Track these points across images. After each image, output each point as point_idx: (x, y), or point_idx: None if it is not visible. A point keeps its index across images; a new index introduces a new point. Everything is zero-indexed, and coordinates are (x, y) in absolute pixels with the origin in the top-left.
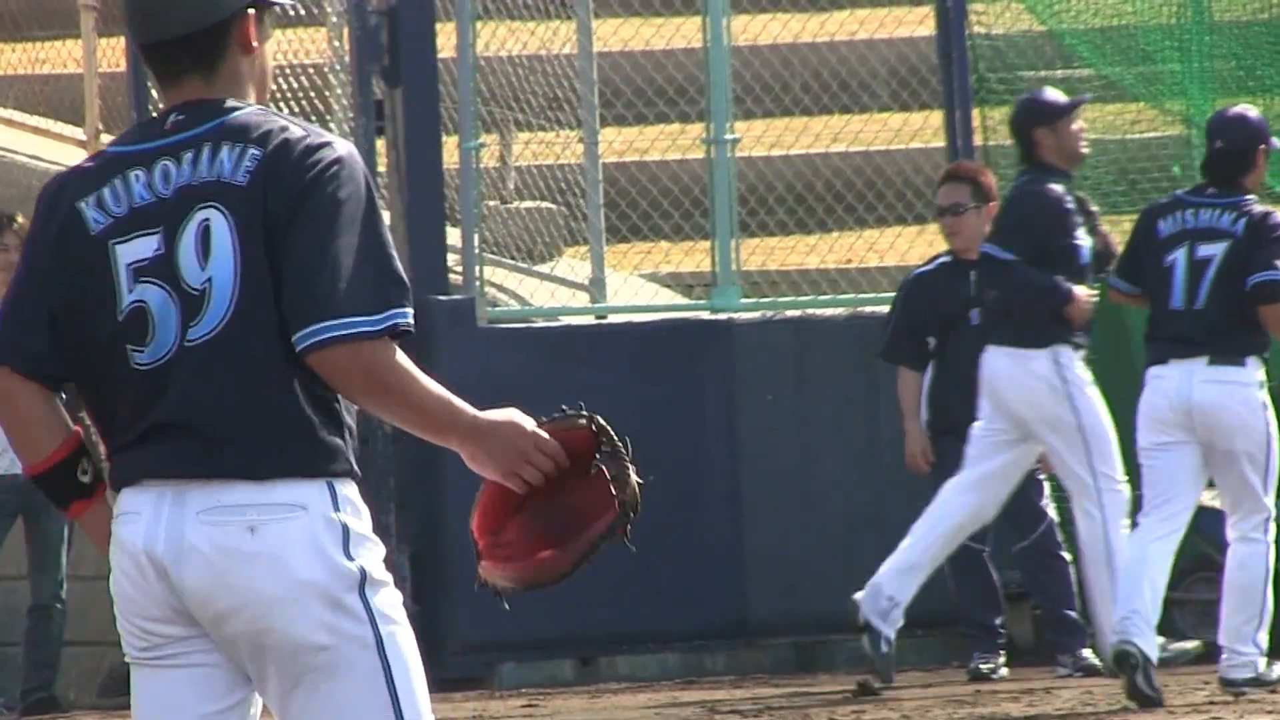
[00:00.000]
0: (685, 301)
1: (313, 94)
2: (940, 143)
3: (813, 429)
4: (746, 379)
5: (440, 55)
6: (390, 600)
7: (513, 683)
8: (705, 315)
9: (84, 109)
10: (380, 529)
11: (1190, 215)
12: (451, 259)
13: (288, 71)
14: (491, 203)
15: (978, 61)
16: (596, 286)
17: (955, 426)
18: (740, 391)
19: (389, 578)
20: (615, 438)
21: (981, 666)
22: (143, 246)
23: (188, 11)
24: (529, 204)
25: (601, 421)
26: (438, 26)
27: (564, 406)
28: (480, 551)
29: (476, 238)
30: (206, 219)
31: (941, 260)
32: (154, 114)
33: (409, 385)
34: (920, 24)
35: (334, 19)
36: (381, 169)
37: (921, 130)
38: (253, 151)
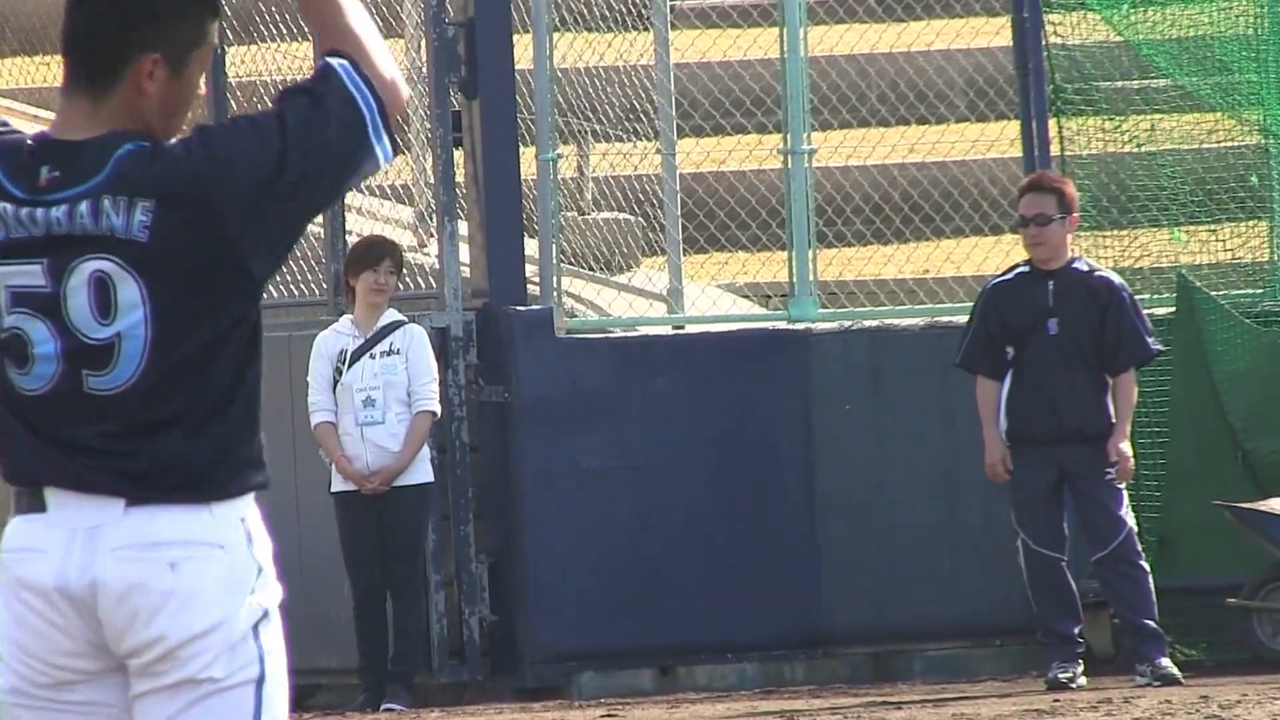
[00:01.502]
0: (762, 312)
1: None
2: (1016, 153)
3: (889, 439)
4: (823, 389)
5: (518, 66)
6: (276, 634)
7: (591, 692)
8: (782, 325)
9: None
10: (459, 539)
11: None
12: (530, 270)
13: None
14: (569, 214)
15: (1054, 72)
16: (674, 297)
17: (1033, 436)
18: (817, 401)
19: (278, 610)
20: None
21: (1060, 676)
22: (23, 275)
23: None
24: (607, 215)
25: None
26: (515, 38)
27: None
28: None
29: (554, 249)
30: (102, 271)
31: (1019, 270)
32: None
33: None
34: (997, 35)
35: (412, 31)
36: (459, 179)
37: (998, 141)
38: (144, 204)
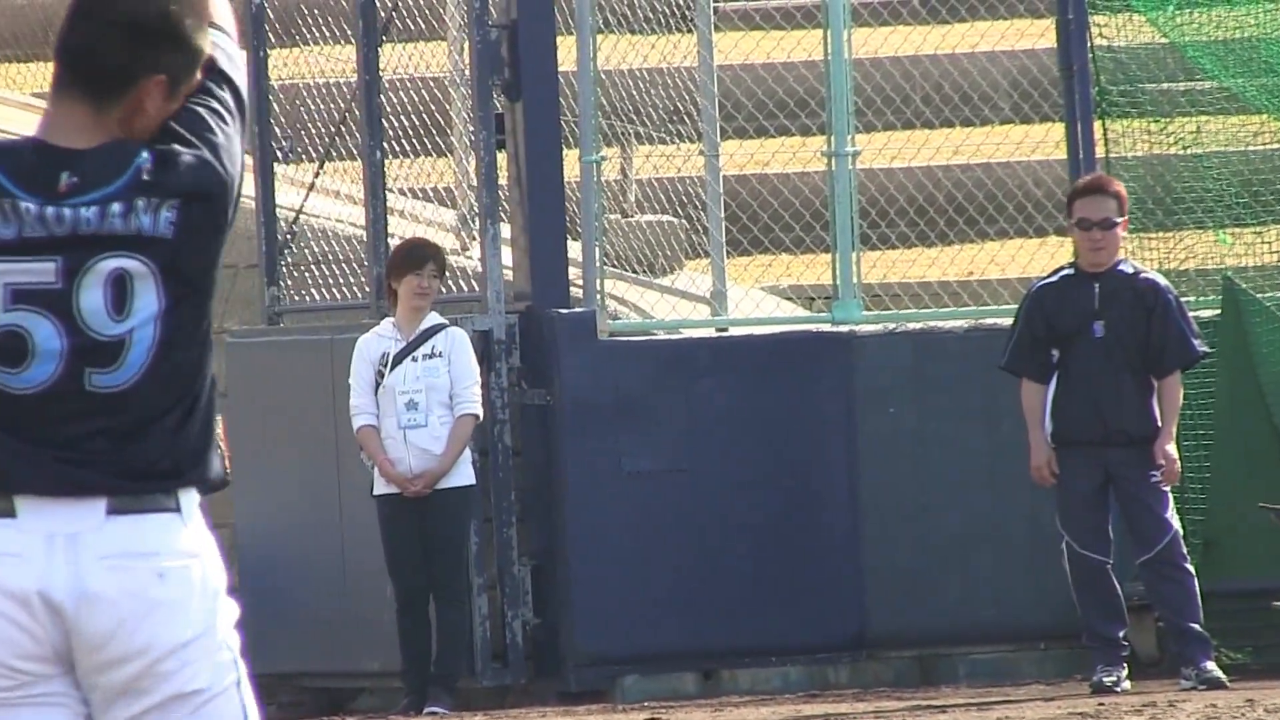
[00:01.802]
0: (806, 314)
1: (434, 107)
2: (1061, 155)
3: (933, 441)
4: (867, 392)
5: (561, 69)
6: (236, 634)
7: (634, 696)
8: (826, 328)
9: None
10: (501, 543)
11: None
12: (573, 272)
13: (408, 85)
14: (612, 216)
15: (1099, 74)
16: (717, 299)
17: (1078, 439)
18: (861, 404)
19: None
20: None
21: (1104, 679)
22: (31, 271)
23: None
24: (650, 217)
25: None
26: (558, 40)
27: None
28: None
29: (597, 251)
30: (123, 268)
31: (1064, 272)
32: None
33: None
34: (1041, 36)
35: (455, 33)
36: (502, 182)
37: (1043, 143)
38: (171, 203)
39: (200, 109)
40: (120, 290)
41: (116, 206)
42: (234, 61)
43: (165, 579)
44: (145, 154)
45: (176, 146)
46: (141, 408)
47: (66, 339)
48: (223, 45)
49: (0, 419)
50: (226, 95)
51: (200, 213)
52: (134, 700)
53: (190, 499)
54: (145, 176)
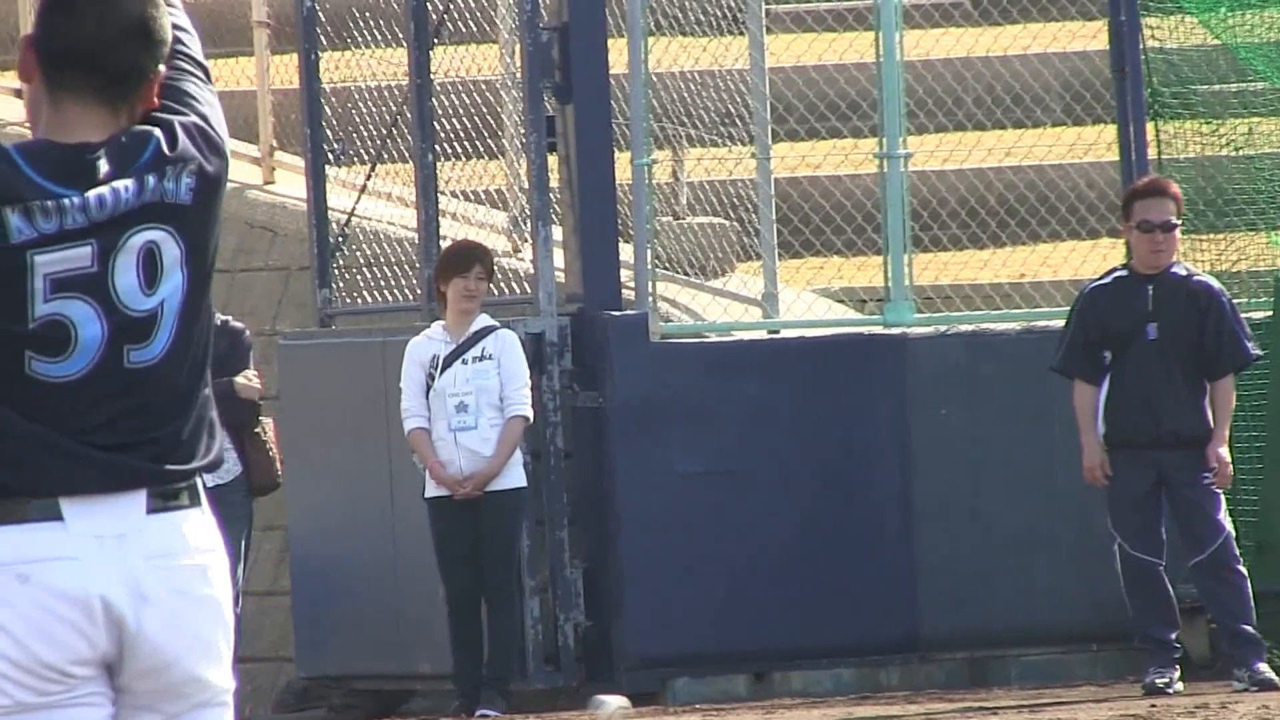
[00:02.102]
0: (858, 316)
1: (485, 110)
2: (1113, 157)
3: (985, 443)
4: (919, 393)
5: (612, 71)
6: None
7: (685, 698)
8: (878, 330)
9: (257, 126)
10: (553, 545)
11: None
12: (624, 275)
13: (460, 88)
14: (664, 218)
15: (1151, 75)
16: (769, 301)
17: (1131, 440)
18: (912, 406)
19: None
20: None
21: (1157, 681)
22: (67, 258)
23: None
24: (701, 219)
25: None
26: (609, 42)
27: None
28: None
29: (649, 253)
30: (152, 241)
31: (1118, 273)
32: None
33: None
34: (1093, 38)
35: (506, 36)
36: (553, 184)
37: (1095, 145)
38: (189, 167)
39: (182, 83)
40: (151, 263)
41: (151, 179)
42: (190, 33)
43: (207, 575)
44: (157, 131)
45: (176, 119)
46: (169, 383)
47: (106, 320)
48: (178, 18)
49: (34, 412)
50: (194, 67)
51: (209, 178)
52: (176, 700)
53: (202, 489)
54: (164, 149)
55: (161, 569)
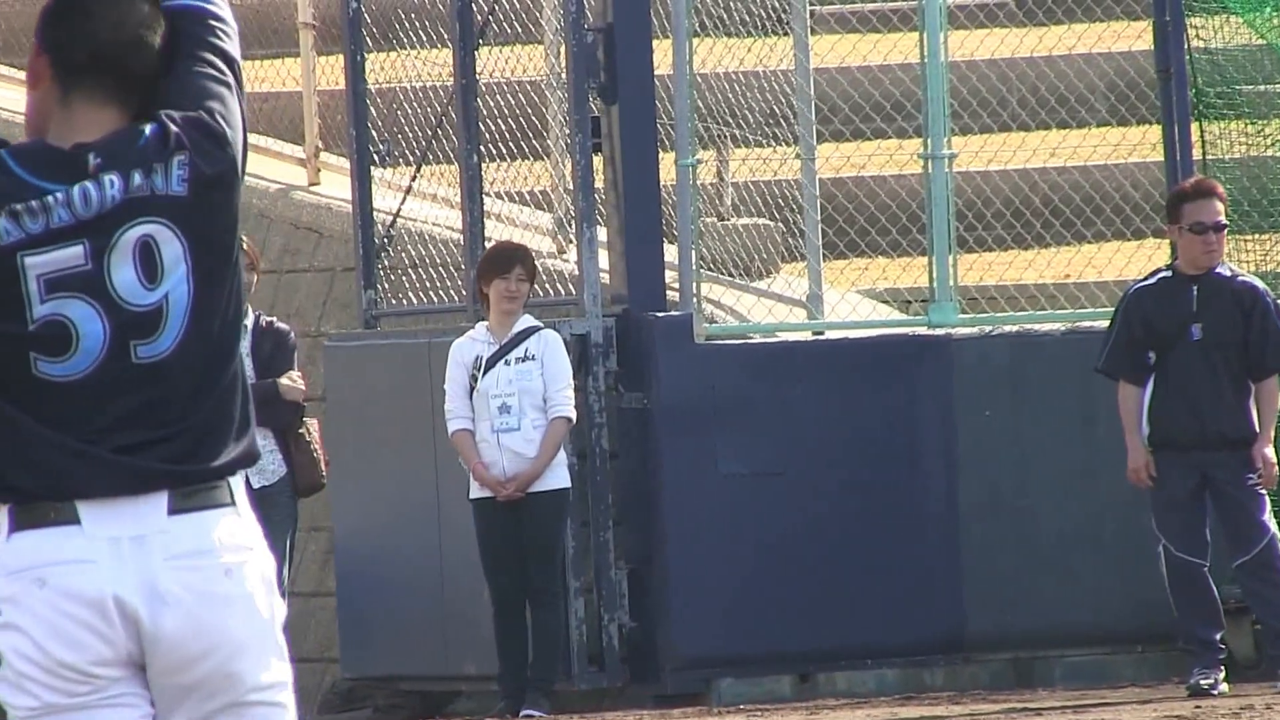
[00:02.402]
0: (902, 317)
1: (530, 111)
2: (1158, 158)
3: (1030, 444)
4: (964, 394)
5: (657, 72)
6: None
7: (730, 699)
8: (922, 331)
9: (303, 127)
10: (598, 546)
11: None
12: (669, 276)
13: (505, 89)
14: (709, 219)
15: (1196, 76)
16: (813, 303)
17: (1175, 441)
18: (957, 407)
19: None
20: None
21: (1201, 682)
22: (59, 258)
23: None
24: (746, 220)
25: None
26: (654, 43)
27: None
28: None
29: (694, 254)
30: (149, 235)
31: (1162, 274)
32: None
33: None
34: (1138, 39)
35: (551, 36)
36: (598, 185)
37: (1139, 145)
38: (179, 158)
39: (193, 77)
40: (148, 258)
41: (137, 174)
42: (227, 25)
43: (232, 575)
44: (148, 126)
45: (173, 112)
46: (183, 377)
47: (107, 318)
48: (224, 17)
49: (47, 416)
50: (216, 59)
51: (207, 169)
52: (205, 699)
53: (239, 487)
54: (155, 142)
55: (182, 569)
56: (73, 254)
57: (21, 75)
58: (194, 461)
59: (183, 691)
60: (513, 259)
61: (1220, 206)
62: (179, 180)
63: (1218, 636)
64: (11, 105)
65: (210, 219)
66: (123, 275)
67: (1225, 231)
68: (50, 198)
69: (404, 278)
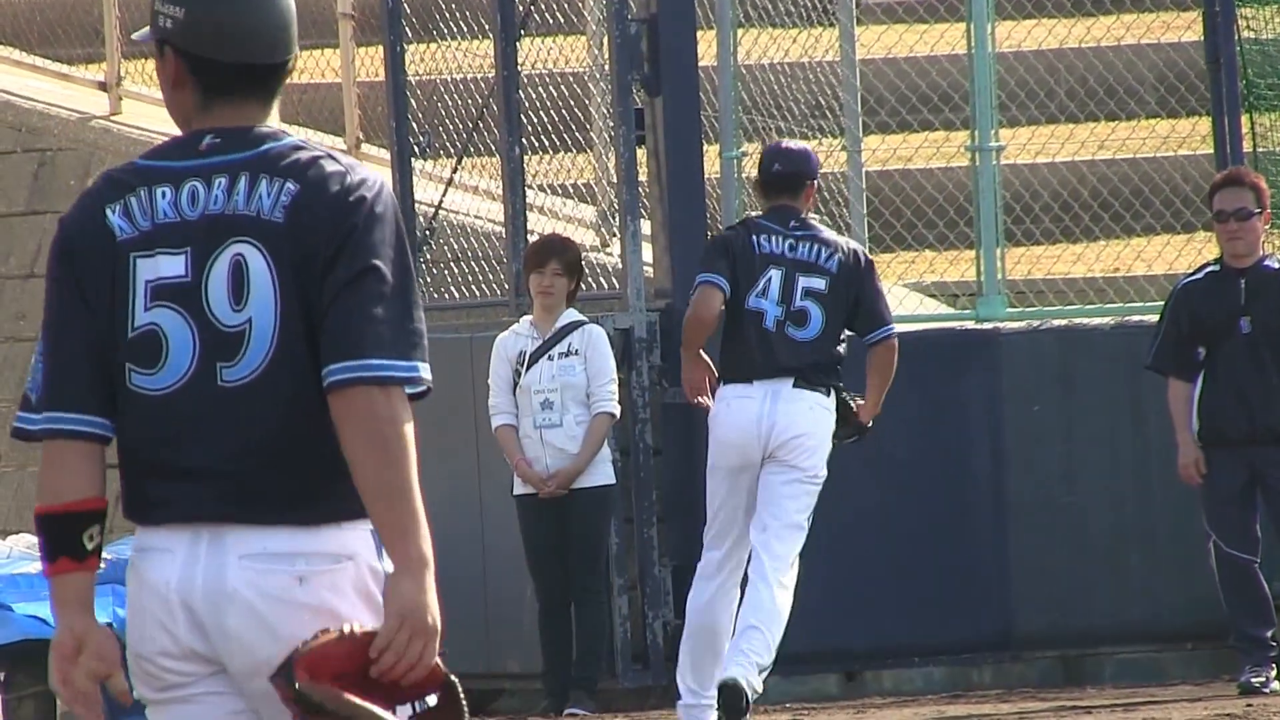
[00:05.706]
0: (950, 311)
1: (573, 103)
2: (1208, 150)
3: (1079, 439)
4: (1012, 389)
5: (701, 63)
6: None
7: (776, 697)
8: (970, 325)
9: (343, 118)
10: (642, 543)
11: None
12: None
13: (547, 80)
14: (753, 212)
15: (1246, 67)
16: None
17: (1225, 437)
18: (1005, 402)
19: None
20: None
21: (1252, 680)
22: (165, 266)
23: (288, 39)
24: None
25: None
26: (698, 34)
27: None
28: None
29: None
30: (240, 254)
31: (1210, 269)
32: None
33: (403, 449)
34: (1188, 29)
35: (594, 27)
36: (642, 178)
37: (1189, 137)
38: (289, 186)
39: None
40: (238, 278)
41: (243, 182)
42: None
43: (306, 583)
44: (280, 142)
45: (301, 154)
46: (265, 409)
47: (197, 333)
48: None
49: (140, 433)
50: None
51: (312, 203)
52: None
53: (349, 498)
54: (272, 156)
55: (252, 569)
56: (176, 261)
57: (58, 67)
58: (262, 504)
59: (262, 699)
60: (549, 254)
61: (1248, 195)
62: (280, 208)
63: (1269, 634)
64: (47, 97)
65: (301, 246)
66: (217, 291)
67: (1255, 220)
68: (159, 190)
69: (445, 271)
